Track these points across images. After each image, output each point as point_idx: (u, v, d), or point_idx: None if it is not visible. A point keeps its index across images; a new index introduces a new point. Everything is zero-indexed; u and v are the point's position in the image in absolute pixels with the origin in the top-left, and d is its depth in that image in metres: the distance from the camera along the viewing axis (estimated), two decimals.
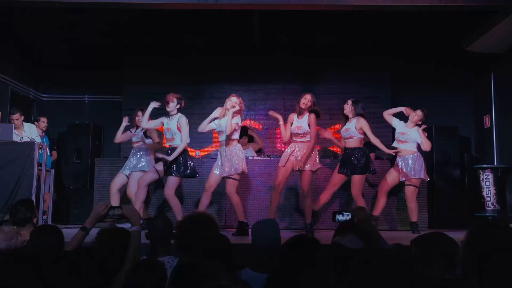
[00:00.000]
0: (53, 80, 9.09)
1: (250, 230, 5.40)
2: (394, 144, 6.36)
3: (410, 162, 6.15)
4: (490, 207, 7.13)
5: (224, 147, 5.81)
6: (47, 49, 8.85)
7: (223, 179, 5.86)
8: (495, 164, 7.72)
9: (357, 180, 5.95)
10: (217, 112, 5.93)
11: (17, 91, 8.24)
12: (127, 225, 2.90)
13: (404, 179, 6.15)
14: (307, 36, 8.57)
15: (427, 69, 8.73)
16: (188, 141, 5.85)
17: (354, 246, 2.43)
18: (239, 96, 5.97)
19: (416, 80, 8.77)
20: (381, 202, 6.24)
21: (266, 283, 1.98)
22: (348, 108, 6.15)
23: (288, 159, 5.77)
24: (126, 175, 6.37)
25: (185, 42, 8.74)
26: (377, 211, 6.24)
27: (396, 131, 6.33)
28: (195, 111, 8.14)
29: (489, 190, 7.18)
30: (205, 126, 5.93)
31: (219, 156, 5.88)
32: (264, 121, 8.75)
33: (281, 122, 5.92)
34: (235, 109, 5.74)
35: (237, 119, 5.84)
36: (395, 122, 6.35)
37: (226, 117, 5.80)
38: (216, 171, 5.84)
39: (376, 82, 8.71)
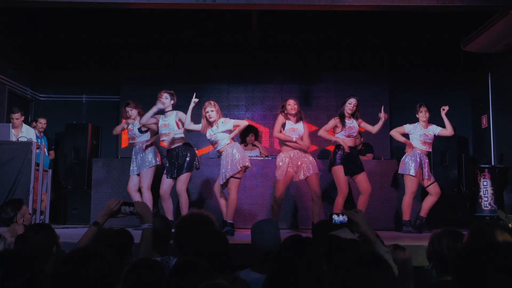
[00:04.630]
0: (50, 80, 9.07)
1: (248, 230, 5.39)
2: (418, 146, 6.24)
3: (426, 160, 6.27)
4: (488, 207, 7.15)
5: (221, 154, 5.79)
6: (45, 49, 8.84)
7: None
8: (493, 164, 7.73)
9: (366, 176, 6.05)
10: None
11: (14, 91, 8.22)
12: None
13: (428, 177, 6.20)
14: (305, 36, 8.59)
15: (425, 69, 8.74)
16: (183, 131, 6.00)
17: (348, 237, 2.47)
18: (210, 102, 5.94)
19: (414, 80, 8.78)
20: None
21: (264, 284, 1.99)
22: (353, 108, 6.05)
23: (286, 171, 5.75)
24: (137, 175, 6.26)
25: (183, 41, 8.75)
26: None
27: (419, 134, 6.22)
28: (193, 110, 8.13)
29: (487, 190, 7.19)
30: (189, 123, 5.91)
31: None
32: (262, 121, 8.75)
33: (294, 140, 5.82)
34: (213, 119, 5.75)
35: (228, 122, 5.82)
36: (409, 128, 6.28)
37: (215, 127, 5.77)
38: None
39: (374, 82, 8.73)
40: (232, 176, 5.62)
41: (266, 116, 8.74)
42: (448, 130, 6.25)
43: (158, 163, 6.21)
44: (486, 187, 7.20)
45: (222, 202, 5.87)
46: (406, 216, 6.16)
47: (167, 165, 5.98)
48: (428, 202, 6.22)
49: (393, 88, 8.82)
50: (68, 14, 7.65)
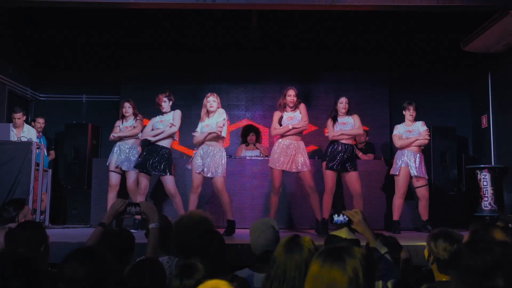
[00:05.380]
0: (50, 80, 9.07)
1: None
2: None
3: (418, 159, 6.15)
4: (488, 207, 7.14)
5: (211, 147, 5.75)
6: (45, 49, 8.84)
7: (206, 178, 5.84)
8: (493, 164, 7.72)
9: (357, 176, 5.93)
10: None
11: (14, 91, 8.22)
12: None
13: (417, 174, 6.08)
14: (305, 36, 8.58)
15: (425, 69, 8.74)
16: (176, 134, 6.10)
17: (349, 237, 2.47)
18: (213, 93, 5.98)
19: (414, 80, 8.78)
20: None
21: (263, 284, 1.99)
22: (345, 106, 6.07)
23: (280, 160, 5.75)
24: (117, 171, 6.26)
25: (183, 41, 8.74)
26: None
27: (402, 132, 6.26)
28: (193, 111, 8.14)
29: (487, 190, 7.18)
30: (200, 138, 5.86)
31: (199, 155, 5.76)
32: (262, 121, 8.74)
33: (290, 127, 5.82)
34: (213, 109, 5.82)
35: (223, 114, 5.86)
36: (397, 131, 6.28)
37: (212, 118, 5.81)
38: (199, 171, 5.74)
39: (374, 82, 8.73)
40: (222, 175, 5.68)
41: (266, 116, 8.73)
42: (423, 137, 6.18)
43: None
44: (486, 187, 7.20)
45: (179, 201, 5.88)
46: (395, 216, 6.17)
47: (141, 160, 5.97)
48: (423, 207, 6.17)
49: (393, 88, 8.82)
50: (68, 14, 7.65)
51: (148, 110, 6.63)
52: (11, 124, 6.58)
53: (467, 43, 7.57)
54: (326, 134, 6.11)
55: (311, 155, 7.70)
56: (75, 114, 8.87)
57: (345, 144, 5.95)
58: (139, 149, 6.40)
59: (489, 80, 8.12)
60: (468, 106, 8.82)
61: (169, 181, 5.91)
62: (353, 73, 8.69)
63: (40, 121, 7.79)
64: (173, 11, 7.34)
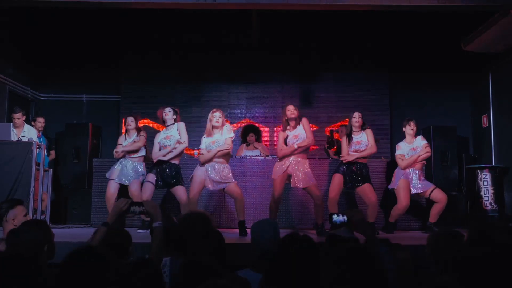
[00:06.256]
0: (51, 79, 9.08)
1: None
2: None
3: (417, 175, 6.13)
4: (488, 206, 7.15)
5: (218, 164, 5.72)
6: (45, 49, 8.85)
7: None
8: (493, 163, 7.73)
9: (371, 187, 5.98)
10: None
11: (15, 91, 8.23)
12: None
13: (423, 190, 6.09)
14: (305, 36, 8.59)
15: (425, 69, 8.74)
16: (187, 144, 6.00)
17: (347, 235, 2.48)
18: (219, 109, 5.91)
19: (414, 80, 8.78)
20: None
21: (261, 282, 1.99)
22: (358, 120, 6.08)
23: (284, 172, 5.75)
24: (118, 183, 6.19)
25: (183, 41, 8.75)
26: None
27: (406, 151, 6.21)
28: (194, 110, 8.16)
29: (487, 189, 7.19)
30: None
31: (208, 170, 5.69)
32: (262, 121, 8.75)
33: (296, 147, 5.77)
34: (218, 124, 5.75)
35: (231, 132, 5.85)
36: (400, 151, 6.26)
37: (218, 134, 5.76)
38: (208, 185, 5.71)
39: (374, 82, 8.73)
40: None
41: (267, 116, 8.75)
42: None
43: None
44: (486, 187, 7.20)
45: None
46: (391, 219, 6.18)
47: (151, 173, 5.92)
48: (435, 209, 6.10)
49: (393, 88, 8.82)
50: (68, 14, 7.66)
51: (148, 110, 6.63)
52: (11, 124, 6.59)
53: (467, 43, 7.57)
54: (342, 159, 6.10)
55: (312, 155, 7.71)
56: (75, 114, 8.89)
57: (357, 163, 6.02)
58: (143, 166, 6.33)
59: (490, 80, 8.12)
60: (468, 106, 8.82)
61: (181, 190, 5.87)
62: (353, 73, 8.70)
63: (41, 121, 7.80)
64: (173, 11, 7.34)
